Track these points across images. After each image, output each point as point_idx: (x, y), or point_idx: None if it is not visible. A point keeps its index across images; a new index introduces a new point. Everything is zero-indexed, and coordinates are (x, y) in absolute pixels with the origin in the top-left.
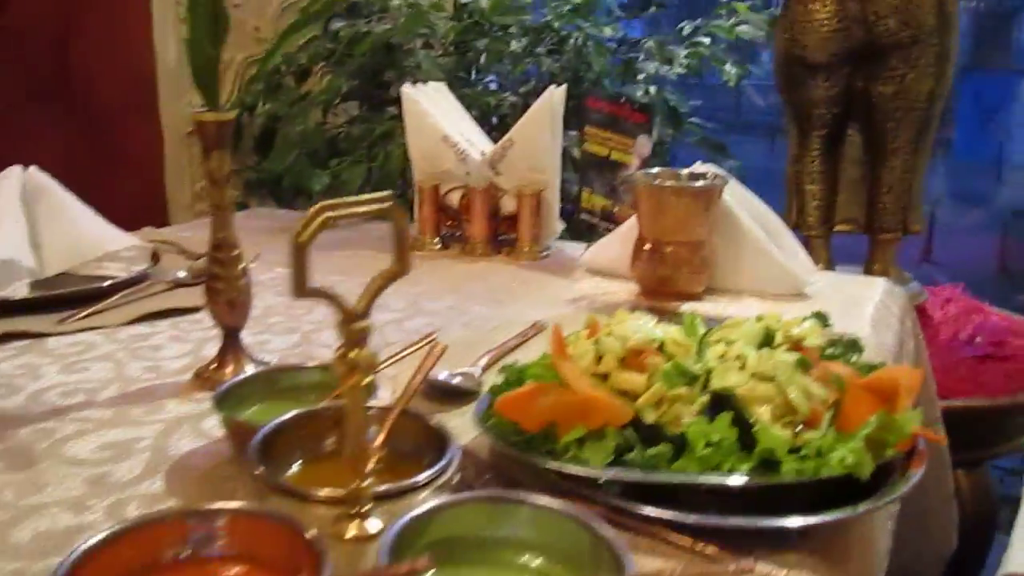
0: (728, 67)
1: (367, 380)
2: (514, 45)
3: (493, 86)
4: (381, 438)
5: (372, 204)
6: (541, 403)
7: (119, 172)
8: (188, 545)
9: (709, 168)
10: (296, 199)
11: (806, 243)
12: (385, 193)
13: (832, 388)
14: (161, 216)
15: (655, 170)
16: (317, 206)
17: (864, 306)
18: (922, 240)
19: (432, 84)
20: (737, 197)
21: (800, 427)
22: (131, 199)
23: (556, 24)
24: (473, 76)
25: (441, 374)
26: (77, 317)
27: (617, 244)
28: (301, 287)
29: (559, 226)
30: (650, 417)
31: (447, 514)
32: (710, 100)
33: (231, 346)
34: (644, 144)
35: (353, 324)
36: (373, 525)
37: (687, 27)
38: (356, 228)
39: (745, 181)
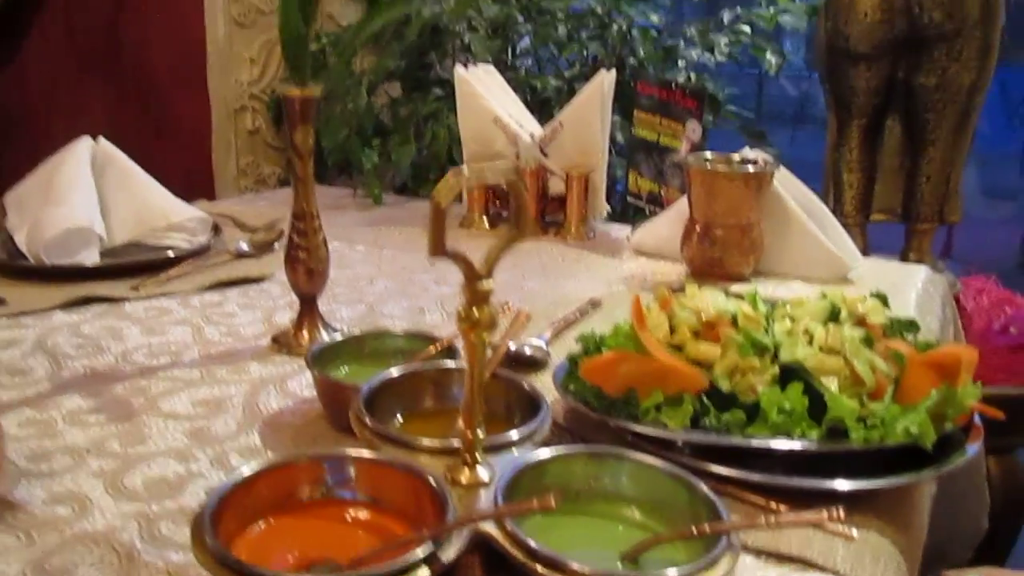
0: (768, 55)
1: (487, 336)
2: (560, 30)
3: (528, 69)
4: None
5: (500, 173)
6: (623, 370)
7: (168, 146)
8: (322, 487)
9: (759, 154)
10: (339, 177)
11: None
12: (513, 163)
13: (894, 363)
14: (208, 191)
15: (707, 154)
16: (451, 171)
17: (908, 292)
18: (943, 236)
19: (482, 66)
20: (785, 183)
21: (865, 399)
22: (179, 173)
23: (599, 10)
24: (510, 59)
25: (512, 345)
26: (151, 283)
27: (664, 226)
28: (439, 247)
29: (605, 208)
30: (726, 385)
31: (554, 465)
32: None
33: (308, 313)
34: (694, 129)
35: (478, 283)
36: (483, 473)
37: (726, 15)
38: (402, 206)
39: None
